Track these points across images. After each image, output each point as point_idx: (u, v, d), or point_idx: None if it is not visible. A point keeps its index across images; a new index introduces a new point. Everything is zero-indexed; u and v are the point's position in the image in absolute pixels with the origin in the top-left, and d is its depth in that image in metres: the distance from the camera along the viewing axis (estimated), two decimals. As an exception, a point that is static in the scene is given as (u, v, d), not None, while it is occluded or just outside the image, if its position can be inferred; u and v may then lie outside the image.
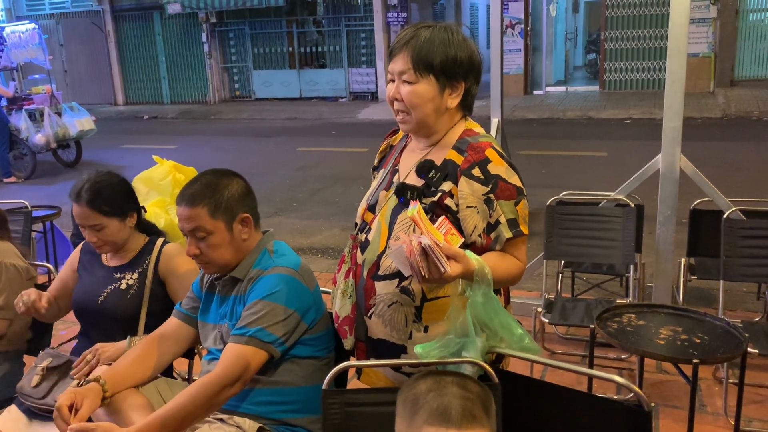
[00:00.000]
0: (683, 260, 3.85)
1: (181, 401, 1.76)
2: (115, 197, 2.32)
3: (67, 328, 3.77)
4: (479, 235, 1.72)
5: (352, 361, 1.89)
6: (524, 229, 1.74)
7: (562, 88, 16.02)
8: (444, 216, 1.68)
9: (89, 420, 1.80)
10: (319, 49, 16.87)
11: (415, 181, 1.80)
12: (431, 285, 1.66)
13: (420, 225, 1.56)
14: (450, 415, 1.31)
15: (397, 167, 1.90)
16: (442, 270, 1.51)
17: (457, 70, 1.73)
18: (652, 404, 1.60)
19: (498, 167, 1.72)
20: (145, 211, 2.56)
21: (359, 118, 13.92)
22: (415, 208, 1.60)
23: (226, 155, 10.51)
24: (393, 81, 1.78)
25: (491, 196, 1.70)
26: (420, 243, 1.51)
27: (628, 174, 3.91)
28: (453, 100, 1.77)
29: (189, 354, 2.42)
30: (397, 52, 1.75)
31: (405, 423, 1.38)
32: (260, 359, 1.83)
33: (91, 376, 1.93)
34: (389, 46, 1.84)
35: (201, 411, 1.79)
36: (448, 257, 1.54)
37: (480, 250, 1.72)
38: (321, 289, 2.06)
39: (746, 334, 2.36)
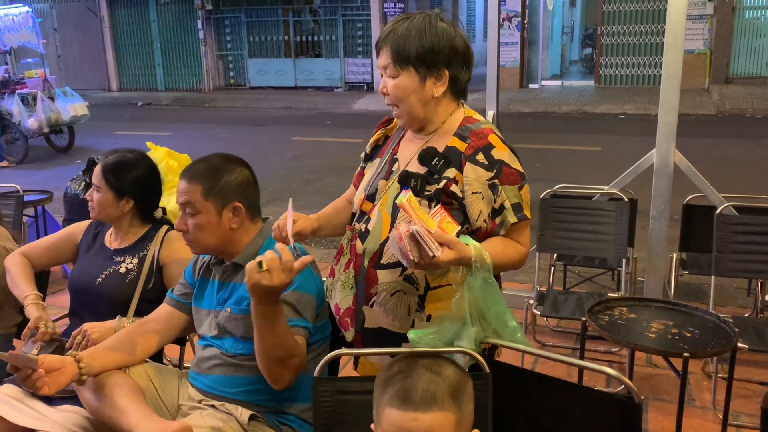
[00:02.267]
0: (675, 255, 3.87)
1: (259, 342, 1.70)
2: (124, 176, 2.37)
3: (58, 314, 3.75)
4: (484, 221, 1.73)
5: (344, 350, 1.89)
6: (528, 214, 1.76)
7: (557, 82, 16.02)
8: (440, 205, 1.69)
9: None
10: (315, 38, 16.80)
11: (417, 168, 1.80)
12: (423, 271, 1.69)
13: (409, 212, 1.58)
14: (410, 397, 1.33)
15: (396, 156, 1.89)
16: (431, 254, 1.53)
17: (436, 58, 1.73)
18: (642, 397, 1.61)
19: (501, 152, 1.73)
20: (165, 213, 2.57)
21: (354, 108, 13.89)
22: (405, 196, 1.61)
23: (220, 143, 10.48)
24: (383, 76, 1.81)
25: (496, 181, 1.71)
26: (409, 229, 1.53)
27: (621, 169, 3.92)
28: (438, 89, 1.76)
29: (180, 341, 2.42)
30: (380, 47, 1.77)
31: (375, 404, 1.41)
32: (305, 347, 1.84)
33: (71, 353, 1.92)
34: (384, 37, 1.83)
35: (271, 359, 1.72)
36: (441, 244, 1.55)
37: (484, 235, 1.74)
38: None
39: (736, 329, 2.37)
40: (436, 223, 1.59)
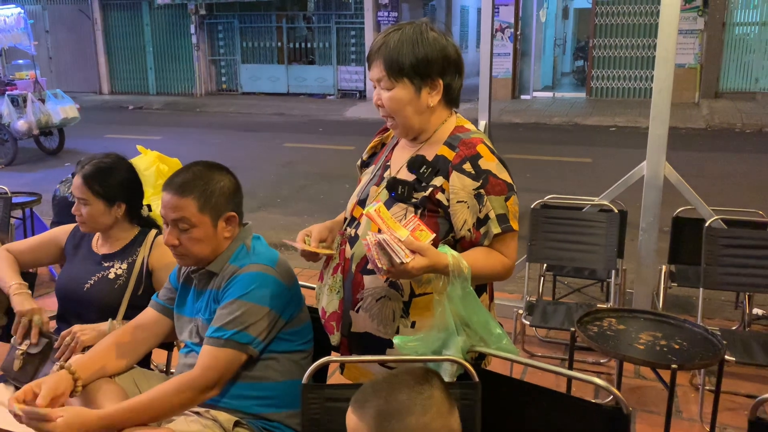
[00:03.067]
0: (664, 267, 3.89)
1: (157, 397, 1.76)
2: (110, 181, 2.31)
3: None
4: (469, 230, 1.73)
5: (334, 356, 1.89)
6: (514, 225, 1.75)
7: (549, 94, 16.11)
8: (414, 214, 1.71)
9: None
10: (309, 45, 16.82)
11: (406, 176, 1.80)
12: (396, 278, 1.71)
13: (377, 222, 1.61)
14: (356, 397, 1.38)
15: (388, 163, 1.90)
16: (399, 261, 1.54)
17: (429, 69, 1.74)
18: (630, 408, 1.61)
19: (489, 163, 1.73)
20: (150, 210, 2.54)
21: (347, 116, 13.90)
22: (373, 207, 1.64)
23: (211, 148, 10.45)
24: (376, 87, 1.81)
25: (482, 191, 1.71)
26: (376, 238, 1.56)
27: (611, 180, 3.94)
28: (433, 99, 1.78)
29: (167, 346, 2.39)
30: (372, 60, 1.78)
31: None
32: (239, 361, 1.83)
33: (63, 362, 1.90)
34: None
35: (175, 410, 1.80)
36: (413, 251, 1.57)
37: (469, 245, 1.74)
38: (303, 284, 2.06)
39: (724, 342, 2.38)
40: (409, 231, 1.61)
